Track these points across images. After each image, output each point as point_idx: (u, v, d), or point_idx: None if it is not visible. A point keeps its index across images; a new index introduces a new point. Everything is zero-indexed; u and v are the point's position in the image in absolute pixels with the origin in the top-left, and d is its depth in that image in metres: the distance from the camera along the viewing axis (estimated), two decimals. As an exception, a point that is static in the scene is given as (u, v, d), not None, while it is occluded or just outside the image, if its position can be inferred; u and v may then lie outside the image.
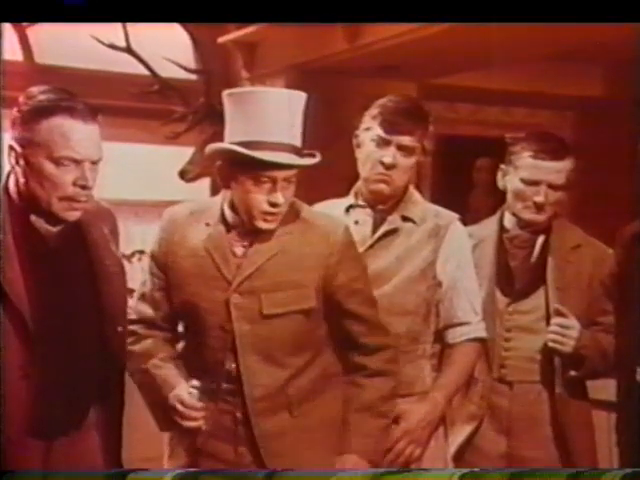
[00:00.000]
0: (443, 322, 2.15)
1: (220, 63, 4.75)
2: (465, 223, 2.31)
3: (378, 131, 2.12)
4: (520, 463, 2.20)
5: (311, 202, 2.28)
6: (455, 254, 2.14)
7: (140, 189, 4.83)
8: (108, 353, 1.86)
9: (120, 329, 1.89)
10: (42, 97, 1.76)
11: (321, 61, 4.34)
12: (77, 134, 1.74)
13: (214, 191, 5.18)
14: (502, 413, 2.26)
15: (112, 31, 4.04)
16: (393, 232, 2.13)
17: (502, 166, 2.32)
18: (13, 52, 4.38)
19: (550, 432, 2.24)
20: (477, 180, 5.15)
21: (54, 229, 1.80)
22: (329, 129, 4.52)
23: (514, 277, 2.29)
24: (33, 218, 1.78)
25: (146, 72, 4.24)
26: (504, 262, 2.30)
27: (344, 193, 2.26)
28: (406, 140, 2.10)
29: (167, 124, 4.24)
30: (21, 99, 1.77)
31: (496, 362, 2.26)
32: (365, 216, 2.16)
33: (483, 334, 2.17)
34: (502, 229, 2.33)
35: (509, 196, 2.29)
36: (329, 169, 3.91)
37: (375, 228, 2.15)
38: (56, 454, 1.80)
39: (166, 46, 4.26)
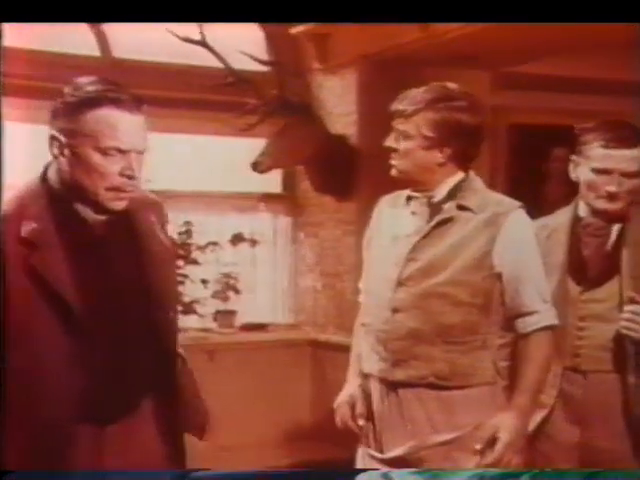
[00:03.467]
0: (510, 312, 2.11)
1: (292, 54, 4.76)
2: (541, 213, 2.29)
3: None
4: (594, 455, 2.19)
5: (380, 193, 2.28)
6: (515, 243, 2.09)
7: (214, 181, 4.88)
8: (159, 339, 1.86)
9: (171, 315, 1.91)
10: (89, 88, 1.77)
11: (393, 51, 4.30)
12: (123, 125, 1.76)
13: (287, 182, 5.22)
14: (576, 403, 2.24)
15: (187, 24, 4.09)
16: (448, 221, 2.11)
17: (573, 157, 2.30)
18: (90, 48, 4.49)
19: (625, 423, 2.20)
20: (553, 170, 5.04)
21: (101, 218, 1.81)
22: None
23: (587, 265, 2.27)
24: (79, 207, 1.80)
25: (220, 65, 4.28)
26: (577, 250, 2.28)
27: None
28: (399, 123, 2.11)
29: (240, 116, 4.27)
30: (67, 90, 1.79)
31: (569, 351, 2.24)
32: (421, 206, 2.15)
33: (554, 321, 2.13)
34: (576, 218, 2.31)
35: (582, 187, 2.28)
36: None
37: (431, 218, 2.13)
38: (110, 442, 1.82)
39: (239, 38, 4.30)
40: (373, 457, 2.16)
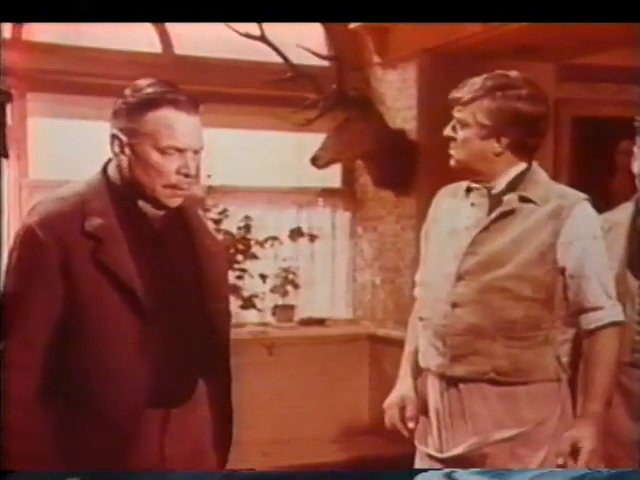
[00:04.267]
0: (573, 308, 2.06)
1: (352, 49, 4.74)
2: (607, 208, 2.26)
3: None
4: None
5: (440, 187, 2.26)
6: (580, 237, 2.04)
7: (273, 176, 4.90)
8: (213, 327, 1.91)
9: (222, 306, 1.95)
10: (149, 90, 1.83)
11: (454, 44, 4.24)
12: (181, 125, 1.82)
13: (345, 177, 5.21)
14: (636, 399, 2.20)
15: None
16: (510, 213, 2.06)
17: (634, 149, 2.30)
18: (152, 45, 4.54)
19: None
20: (620, 163, 4.92)
21: (159, 213, 1.88)
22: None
23: None
24: (140, 202, 1.86)
25: (279, 60, 4.29)
26: (637, 244, 2.26)
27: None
28: (456, 112, 2.09)
29: (300, 111, 4.28)
30: (127, 91, 1.85)
31: (628, 346, 2.20)
32: (481, 198, 2.11)
33: (620, 317, 2.07)
34: (638, 212, 2.30)
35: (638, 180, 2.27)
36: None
37: (491, 210, 2.09)
38: (172, 425, 1.87)
39: (298, 33, 4.30)
40: (432, 457, 2.13)
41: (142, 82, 1.86)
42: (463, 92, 2.08)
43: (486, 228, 2.07)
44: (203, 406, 1.93)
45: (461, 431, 2.08)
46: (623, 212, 2.34)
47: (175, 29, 4.54)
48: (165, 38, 4.57)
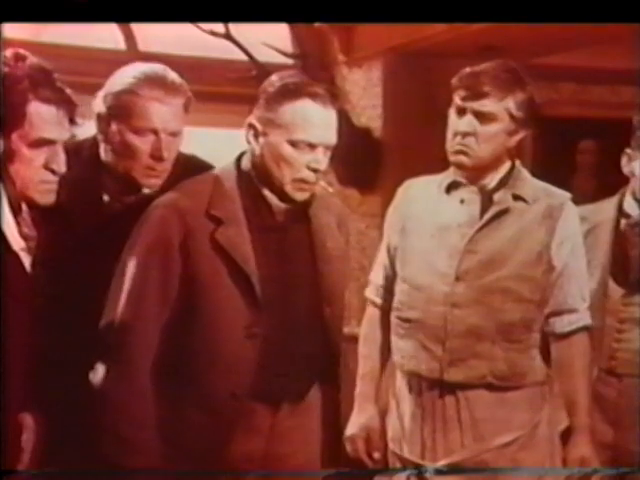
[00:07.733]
0: (551, 309, 2.02)
1: (317, 47, 4.74)
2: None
3: (456, 100, 2.02)
4: (628, 457, 2.15)
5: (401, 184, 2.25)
6: (570, 237, 2.01)
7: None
8: (323, 332, 1.89)
9: (335, 311, 1.92)
10: (289, 80, 1.83)
11: (419, 42, 4.26)
12: (316, 118, 1.81)
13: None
14: (609, 404, 2.20)
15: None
16: (504, 212, 2.00)
17: (628, 150, 2.21)
18: (116, 42, 4.50)
19: None
20: (581, 163, 4.98)
21: (283, 206, 1.87)
22: (427, 111, 4.45)
23: (631, 267, 2.18)
24: (266, 192, 1.85)
25: (244, 58, 4.27)
26: (621, 250, 2.20)
27: (437, 172, 2.19)
28: (483, 105, 1.96)
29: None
30: (266, 82, 1.86)
31: (605, 353, 2.18)
32: (471, 194, 2.03)
33: (589, 321, 2.05)
34: (621, 214, 2.22)
35: (636, 181, 2.18)
36: (424, 150, 3.85)
37: (484, 207, 2.02)
38: (282, 424, 1.85)
39: (264, 31, 4.29)
40: (410, 462, 2.05)
41: (283, 73, 1.87)
42: (486, 86, 1.98)
43: (482, 228, 2.00)
44: (315, 411, 1.91)
45: (454, 437, 2.00)
46: (604, 212, 2.26)
47: (139, 26, 4.50)
48: (129, 35, 4.52)
